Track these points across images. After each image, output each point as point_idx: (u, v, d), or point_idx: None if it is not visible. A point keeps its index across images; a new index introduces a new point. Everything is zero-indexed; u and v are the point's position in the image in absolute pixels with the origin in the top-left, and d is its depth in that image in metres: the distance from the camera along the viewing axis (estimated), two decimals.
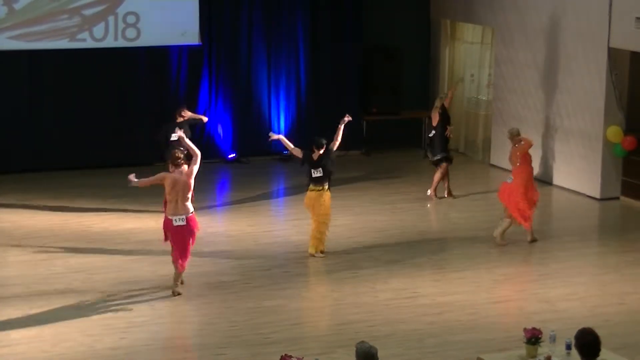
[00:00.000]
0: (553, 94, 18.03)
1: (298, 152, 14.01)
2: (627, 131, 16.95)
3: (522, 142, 14.72)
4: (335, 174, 14.31)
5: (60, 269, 13.54)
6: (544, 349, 9.06)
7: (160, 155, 15.90)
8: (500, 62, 19.34)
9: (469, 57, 20.54)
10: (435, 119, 16.87)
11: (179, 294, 12.51)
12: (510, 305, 12.48)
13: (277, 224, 16.18)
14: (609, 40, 16.66)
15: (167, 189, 12.43)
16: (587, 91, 17.26)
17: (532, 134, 18.35)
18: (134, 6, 18.68)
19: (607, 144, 17.05)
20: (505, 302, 12.60)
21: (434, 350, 11.00)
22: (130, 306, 12.19)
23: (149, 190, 16.33)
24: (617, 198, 17.20)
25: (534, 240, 14.72)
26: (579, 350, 7.49)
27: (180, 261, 12.48)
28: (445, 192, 17.12)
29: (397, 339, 11.25)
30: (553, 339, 9.12)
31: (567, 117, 17.76)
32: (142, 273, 13.34)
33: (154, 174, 12.81)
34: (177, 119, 15.95)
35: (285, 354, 8.21)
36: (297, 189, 17.38)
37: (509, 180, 14.69)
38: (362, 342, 7.78)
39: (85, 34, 18.52)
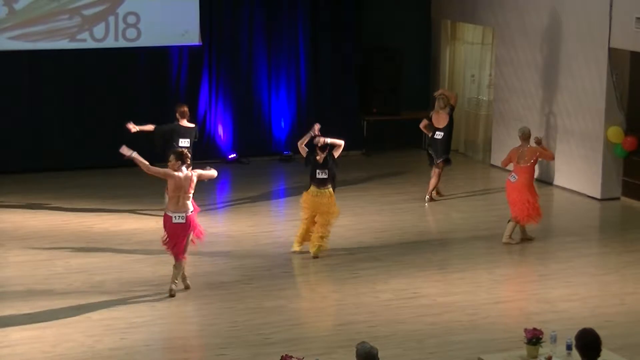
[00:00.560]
0: (553, 95, 18.03)
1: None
2: (628, 131, 16.95)
3: (541, 148, 14.73)
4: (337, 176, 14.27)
5: (61, 270, 13.55)
6: (544, 350, 9.06)
7: (161, 154, 15.76)
8: (501, 62, 19.34)
9: (469, 58, 20.54)
10: (444, 120, 16.79)
11: (173, 295, 12.47)
12: (510, 306, 12.48)
13: (277, 224, 16.18)
14: (609, 40, 16.66)
15: (171, 187, 12.44)
16: (587, 91, 17.26)
17: (533, 134, 18.35)
18: (135, 6, 18.67)
19: (607, 144, 17.05)
20: (506, 302, 12.60)
21: (434, 351, 11.00)
22: (130, 306, 12.19)
23: (149, 191, 16.40)
24: (618, 198, 17.20)
25: (530, 239, 14.72)
26: (580, 350, 7.49)
27: (178, 255, 12.45)
28: (435, 192, 17.04)
29: (398, 339, 11.25)
30: (554, 340, 9.13)
31: (567, 118, 17.76)
32: (143, 273, 13.34)
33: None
34: (180, 120, 15.76)
35: (286, 355, 8.22)
36: (298, 189, 17.34)
37: (512, 179, 14.64)
38: (363, 342, 7.78)
39: (85, 34, 18.51)
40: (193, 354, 11.20)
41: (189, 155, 12.73)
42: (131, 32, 18.72)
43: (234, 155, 19.84)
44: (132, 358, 10.81)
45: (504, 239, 14.64)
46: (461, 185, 17.80)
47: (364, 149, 20.35)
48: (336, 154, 13.95)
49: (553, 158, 15.20)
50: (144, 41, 18.83)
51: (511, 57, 19.00)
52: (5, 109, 18.49)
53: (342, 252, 14.25)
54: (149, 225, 15.22)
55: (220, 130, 16.85)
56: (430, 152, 17.04)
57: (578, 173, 17.55)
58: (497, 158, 19.07)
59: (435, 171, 16.87)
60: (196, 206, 12.80)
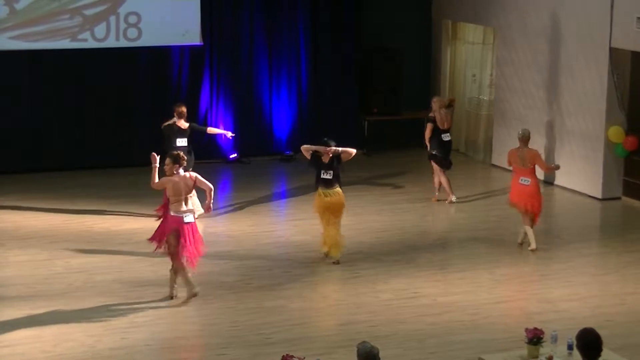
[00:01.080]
0: (554, 94, 18.03)
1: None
2: (629, 131, 16.95)
3: (539, 157, 14.62)
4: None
5: (61, 270, 13.54)
6: (545, 349, 9.06)
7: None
8: (502, 62, 19.34)
9: (470, 58, 20.54)
10: (450, 121, 16.78)
11: (174, 297, 12.48)
12: (511, 306, 12.48)
13: (278, 224, 16.18)
14: (610, 40, 16.66)
15: (170, 191, 12.36)
16: (588, 91, 17.26)
17: (534, 134, 18.34)
18: (136, 6, 18.67)
19: (608, 144, 17.05)
20: (507, 302, 12.59)
21: (434, 351, 10.99)
22: (131, 306, 12.19)
23: (150, 191, 16.34)
24: (619, 198, 17.20)
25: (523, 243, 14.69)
26: (581, 350, 7.49)
27: (191, 259, 12.39)
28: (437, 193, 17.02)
29: (398, 339, 11.25)
30: (554, 339, 9.12)
31: (568, 117, 17.75)
32: (143, 273, 13.33)
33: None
34: (177, 119, 15.74)
35: (287, 354, 8.22)
36: (299, 189, 17.39)
37: (526, 182, 14.37)
38: (364, 342, 7.78)
39: (86, 34, 18.52)
40: (193, 354, 11.20)
41: (185, 157, 12.65)
42: (132, 32, 18.72)
43: (235, 155, 19.85)
44: (132, 358, 10.81)
45: (533, 246, 14.45)
46: (462, 185, 17.78)
47: (364, 149, 20.33)
48: (343, 157, 13.79)
49: (548, 170, 14.96)
50: (145, 41, 18.83)
51: (512, 57, 19.00)
52: (5, 109, 18.49)
53: (342, 251, 14.22)
54: (149, 225, 15.16)
55: (229, 134, 16.76)
56: (441, 155, 16.82)
57: (579, 173, 17.55)
58: (498, 158, 19.08)
59: (443, 172, 16.83)
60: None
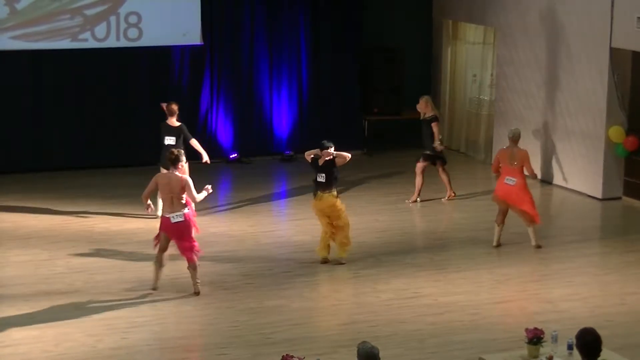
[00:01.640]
0: (555, 94, 18.03)
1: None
2: (629, 131, 16.95)
3: (528, 162, 14.51)
4: (337, 179, 14.04)
5: (62, 269, 13.55)
6: (546, 349, 9.06)
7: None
8: (502, 62, 19.34)
9: (470, 58, 20.54)
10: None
11: (198, 293, 12.56)
12: (511, 306, 12.48)
13: (278, 224, 16.18)
14: (610, 40, 16.66)
15: (160, 188, 12.56)
16: (588, 91, 17.25)
17: (534, 134, 18.38)
18: (136, 6, 18.68)
19: (609, 144, 17.05)
20: (507, 302, 12.59)
21: (435, 351, 11.00)
22: (131, 306, 12.20)
23: None
24: (619, 198, 17.20)
25: (499, 245, 14.60)
26: (580, 350, 7.49)
27: (190, 255, 12.47)
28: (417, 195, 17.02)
29: (399, 339, 11.25)
30: (555, 339, 9.12)
31: (568, 117, 17.75)
32: (144, 273, 13.31)
33: (155, 174, 12.89)
34: (168, 117, 15.66)
35: (287, 354, 8.22)
36: (299, 189, 17.39)
37: (511, 182, 14.46)
38: (364, 342, 7.78)
39: (87, 34, 18.53)
40: (194, 354, 11.20)
41: (175, 158, 12.60)
42: (132, 32, 18.73)
43: (235, 155, 19.84)
44: (133, 358, 10.81)
45: (534, 243, 14.44)
46: (462, 185, 17.79)
47: (365, 149, 20.35)
48: (338, 162, 13.74)
49: (532, 174, 14.88)
50: (146, 41, 18.85)
51: (512, 57, 19.00)
52: (5, 109, 18.49)
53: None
54: (150, 225, 15.19)
55: (205, 159, 16.22)
56: (442, 157, 16.93)
57: (579, 173, 17.55)
58: None
59: (442, 170, 16.86)
60: (193, 210, 12.83)
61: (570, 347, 8.82)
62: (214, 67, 19.63)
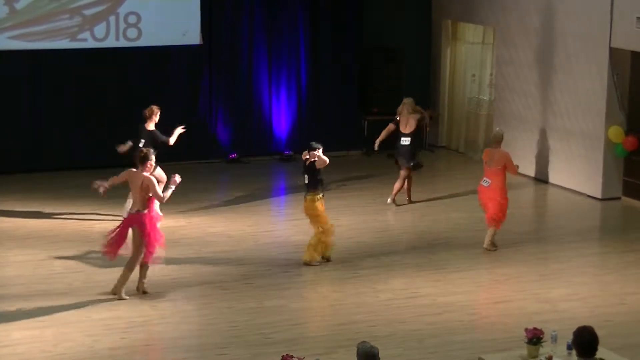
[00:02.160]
0: (554, 94, 18.03)
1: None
2: (628, 131, 16.95)
3: (508, 160, 14.31)
4: (322, 182, 13.84)
5: (61, 269, 13.54)
6: (545, 349, 9.06)
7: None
8: (502, 62, 19.34)
9: (470, 57, 20.55)
10: (411, 126, 16.67)
11: (145, 292, 12.54)
12: (511, 306, 12.47)
13: (277, 224, 16.18)
14: (610, 40, 16.66)
15: (130, 186, 12.64)
16: (588, 91, 17.25)
17: (534, 134, 18.38)
18: (135, 6, 18.68)
19: (608, 144, 17.05)
20: (506, 302, 12.58)
21: (434, 351, 10.99)
22: (130, 306, 12.18)
23: None
24: (619, 198, 17.19)
25: (493, 247, 14.50)
26: (576, 348, 7.48)
27: (148, 255, 12.48)
28: (407, 199, 16.88)
29: (398, 339, 11.25)
30: (554, 339, 9.12)
31: (568, 117, 17.75)
32: None
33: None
34: (147, 122, 15.63)
35: (286, 354, 8.22)
36: (298, 189, 17.36)
37: (485, 184, 14.32)
38: (363, 342, 7.78)
39: (86, 34, 18.53)
40: (193, 354, 11.19)
41: (144, 156, 12.57)
42: (132, 32, 18.73)
43: (234, 154, 19.84)
44: (132, 358, 10.80)
45: (485, 245, 14.43)
46: (461, 185, 17.78)
47: (364, 149, 20.34)
48: (317, 164, 13.64)
49: (516, 173, 14.78)
50: (145, 41, 18.85)
51: (512, 57, 19.00)
52: (5, 109, 18.48)
53: (342, 251, 14.23)
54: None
55: (179, 129, 16.16)
56: (396, 157, 16.80)
57: (578, 173, 17.55)
58: None
59: (401, 174, 16.73)
60: (158, 213, 12.84)
61: (569, 347, 8.82)
62: (213, 67, 19.62)
